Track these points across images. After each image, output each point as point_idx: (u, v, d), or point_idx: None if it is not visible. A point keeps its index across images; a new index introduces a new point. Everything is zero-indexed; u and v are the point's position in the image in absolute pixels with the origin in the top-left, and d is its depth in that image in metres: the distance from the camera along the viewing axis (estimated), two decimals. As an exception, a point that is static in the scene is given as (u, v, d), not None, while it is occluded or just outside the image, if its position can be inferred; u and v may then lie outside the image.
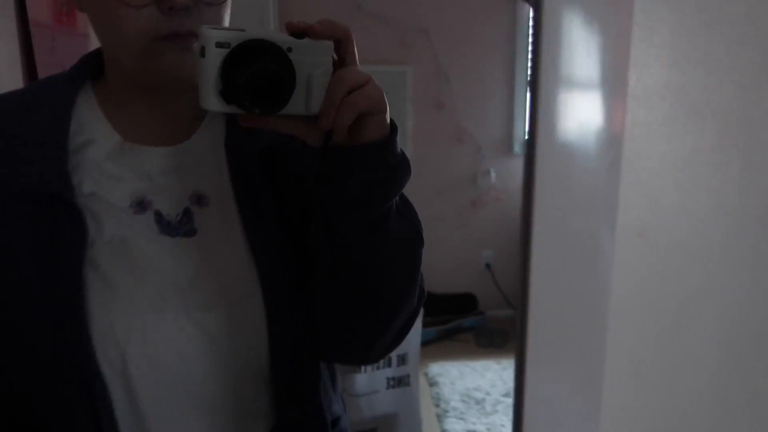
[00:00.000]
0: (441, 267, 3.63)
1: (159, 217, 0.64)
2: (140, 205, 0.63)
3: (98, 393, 0.59)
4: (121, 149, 0.64)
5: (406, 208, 0.64)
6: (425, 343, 3.40)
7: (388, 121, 0.57)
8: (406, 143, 3.65)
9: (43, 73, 1.30)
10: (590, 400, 0.37)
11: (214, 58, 0.51)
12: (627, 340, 0.37)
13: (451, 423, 2.62)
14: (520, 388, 0.41)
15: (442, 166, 3.62)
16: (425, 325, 3.43)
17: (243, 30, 0.53)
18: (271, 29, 0.48)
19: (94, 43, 1.60)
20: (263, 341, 0.64)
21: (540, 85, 0.32)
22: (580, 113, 0.33)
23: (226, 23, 0.63)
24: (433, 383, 2.98)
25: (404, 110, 3.61)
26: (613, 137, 0.33)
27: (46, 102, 0.64)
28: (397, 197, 0.61)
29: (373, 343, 0.68)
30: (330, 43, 0.54)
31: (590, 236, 0.35)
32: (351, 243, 0.60)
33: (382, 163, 0.57)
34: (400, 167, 0.58)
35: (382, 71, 3.60)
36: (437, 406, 2.79)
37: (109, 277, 0.61)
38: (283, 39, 0.53)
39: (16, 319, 0.60)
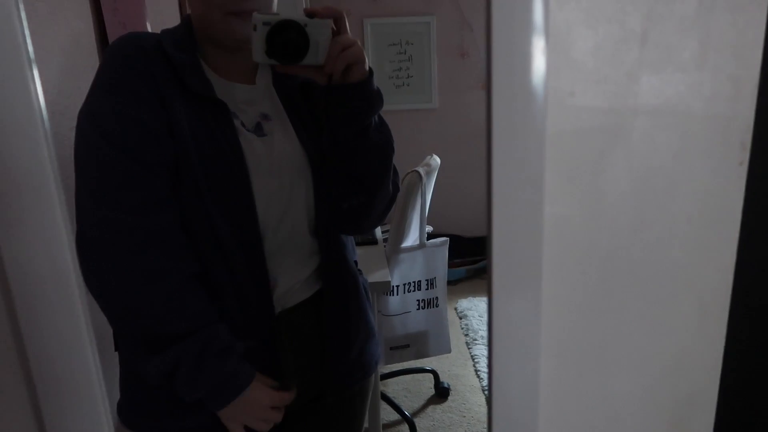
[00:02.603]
0: (467, 211, 3.80)
1: (243, 125, 0.93)
2: (234, 116, 0.93)
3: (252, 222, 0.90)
4: (220, 82, 0.94)
5: (383, 126, 0.96)
6: (456, 281, 3.62)
7: (367, 68, 0.88)
8: (431, 91, 3.79)
9: (110, 29, 1.50)
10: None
11: (262, 31, 0.84)
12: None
13: (478, 349, 2.85)
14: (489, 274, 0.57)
15: (466, 112, 3.75)
16: (455, 265, 3.64)
17: (278, 14, 0.86)
18: (296, 12, 0.72)
19: (148, 5, 1.78)
20: (312, 203, 0.96)
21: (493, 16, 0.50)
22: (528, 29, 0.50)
23: (275, 5, 0.93)
24: (462, 316, 3.20)
25: (429, 59, 3.73)
26: (539, 31, 0.50)
27: (182, 43, 0.91)
28: (376, 118, 0.93)
29: (362, 216, 1.00)
30: (330, 21, 0.85)
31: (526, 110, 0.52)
32: (345, 144, 0.92)
33: (362, 95, 0.89)
34: (375, 98, 0.90)
35: (407, 22, 3.71)
36: (466, 335, 3.01)
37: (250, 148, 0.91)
38: (302, 19, 0.85)
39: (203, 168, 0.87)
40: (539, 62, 0.51)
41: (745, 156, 0.59)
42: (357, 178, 0.94)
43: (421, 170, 2.05)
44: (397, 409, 2.38)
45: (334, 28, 0.86)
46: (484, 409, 2.51)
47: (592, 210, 0.57)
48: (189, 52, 0.91)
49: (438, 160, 2.27)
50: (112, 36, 1.49)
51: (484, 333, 3.00)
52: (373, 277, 1.84)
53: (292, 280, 0.97)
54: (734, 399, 0.64)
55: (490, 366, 0.57)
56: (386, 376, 2.60)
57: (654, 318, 0.61)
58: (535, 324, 0.57)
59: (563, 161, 0.55)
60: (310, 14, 0.85)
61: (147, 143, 0.83)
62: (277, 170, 0.93)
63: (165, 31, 0.94)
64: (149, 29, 1.75)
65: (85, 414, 0.48)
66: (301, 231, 0.96)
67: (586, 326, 0.60)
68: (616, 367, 0.62)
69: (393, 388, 2.60)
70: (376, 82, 0.91)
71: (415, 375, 2.65)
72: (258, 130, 0.94)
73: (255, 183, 0.90)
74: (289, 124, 0.96)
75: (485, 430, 0.62)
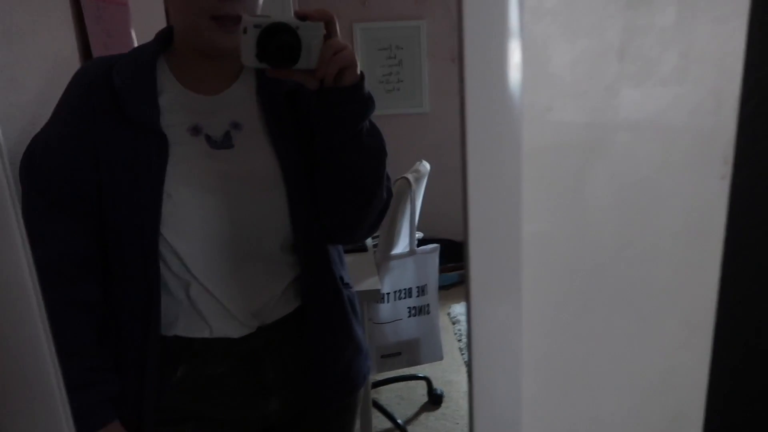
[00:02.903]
0: (460, 215, 3.79)
1: (208, 137, 0.90)
2: (195, 130, 0.90)
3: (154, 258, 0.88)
4: (183, 96, 0.91)
5: (374, 130, 0.93)
6: (448, 286, 3.61)
7: (359, 72, 0.86)
8: (422, 95, 3.78)
9: (93, 38, 1.48)
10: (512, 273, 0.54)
11: (253, 34, 0.81)
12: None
13: (472, 355, 2.84)
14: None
15: (457, 117, 3.74)
16: (448, 269, 3.63)
17: (269, 16, 0.82)
18: (287, 14, 0.70)
19: (134, 12, 1.77)
20: (287, 219, 0.92)
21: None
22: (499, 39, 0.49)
23: (260, 8, 0.90)
24: (455, 321, 3.19)
25: (419, 64, 3.72)
26: (514, 44, 0.49)
27: (141, 65, 0.90)
28: (368, 122, 0.90)
29: (357, 224, 0.97)
30: (321, 24, 0.83)
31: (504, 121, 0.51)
32: (337, 149, 0.89)
33: (354, 98, 0.86)
34: (367, 101, 0.88)
35: (397, 26, 3.70)
36: (459, 341, 3.00)
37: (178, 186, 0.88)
38: (294, 21, 0.82)
39: (123, 195, 0.87)
40: (515, 77, 0.50)
41: (728, 170, 0.58)
42: (350, 184, 0.92)
43: (410, 177, 2.04)
44: (390, 417, 2.37)
45: (325, 32, 0.84)
46: (477, 416, 2.49)
47: (573, 227, 0.55)
48: (146, 72, 0.89)
49: (427, 165, 2.26)
50: (95, 45, 1.48)
51: (477, 338, 2.98)
52: (363, 285, 1.83)
53: (266, 295, 0.94)
54: (722, 417, 0.63)
55: (470, 389, 0.56)
56: (378, 384, 2.58)
57: (639, 336, 0.60)
58: (517, 343, 0.56)
59: (542, 177, 0.54)
60: (302, 17, 0.83)
61: (62, 179, 0.88)
62: (242, 182, 0.90)
63: (133, 50, 0.93)
64: (134, 37, 1.73)
65: (42, 420, 0.46)
66: (273, 244, 0.93)
67: (569, 345, 0.59)
68: (600, 387, 0.61)
69: (385, 395, 2.59)
70: (367, 86, 0.89)
71: (408, 382, 2.64)
72: (225, 140, 0.91)
73: (203, 198, 0.88)
74: (264, 135, 0.93)
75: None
